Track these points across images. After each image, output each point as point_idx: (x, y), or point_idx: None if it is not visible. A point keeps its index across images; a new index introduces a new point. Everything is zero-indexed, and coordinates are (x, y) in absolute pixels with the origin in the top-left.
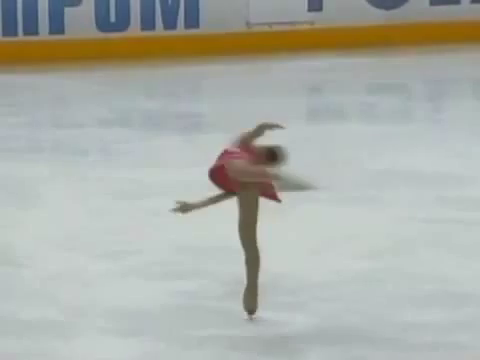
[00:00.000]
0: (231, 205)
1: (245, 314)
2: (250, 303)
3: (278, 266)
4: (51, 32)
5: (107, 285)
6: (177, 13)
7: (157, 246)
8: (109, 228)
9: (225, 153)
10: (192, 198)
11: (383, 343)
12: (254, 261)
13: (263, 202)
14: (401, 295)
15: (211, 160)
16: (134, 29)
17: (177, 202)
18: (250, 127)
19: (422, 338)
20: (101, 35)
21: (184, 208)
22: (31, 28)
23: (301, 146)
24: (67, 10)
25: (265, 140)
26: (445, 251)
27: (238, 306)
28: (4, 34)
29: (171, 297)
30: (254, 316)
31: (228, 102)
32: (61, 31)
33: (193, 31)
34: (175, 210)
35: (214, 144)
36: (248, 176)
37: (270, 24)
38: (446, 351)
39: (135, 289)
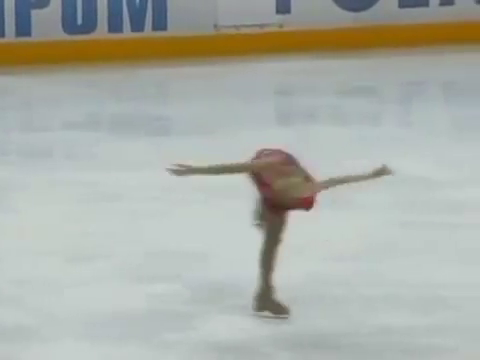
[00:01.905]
0: (207, 210)
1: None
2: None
3: (252, 269)
4: (17, 34)
5: (78, 290)
6: (145, 15)
7: (128, 250)
8: (80, 232)
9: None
10: (163, 202)
11: (355, 347)
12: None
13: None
14: (375, 299)
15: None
16: (101, 31)
17: (176, 164)
18: (220, 130)
19: (395, 342)
20: (68, 37)
21: (181, 171)
22: None
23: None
24: (34, 12)
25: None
26: (420, 255)
27: (210, 309)
28: None
29: (143, 301)
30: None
31: (196, 105)
32: (27, 33)
33: (161, 33)
34: (170, 170)
35: (183, 147)
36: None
37: (238, 26)
38: (419, 355)
39: (107, 293)
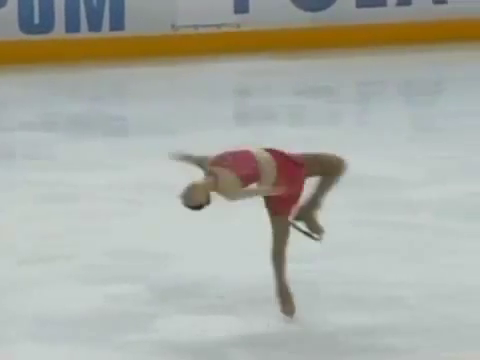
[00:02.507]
0: (168, 210)
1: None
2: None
3: (209, 268)
4: None
5: (38, 290)
6: (102, 15)
7: (87, 250)
8: (38, 232)
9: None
10: (122, 202)
11: (311, 347)
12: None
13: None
14: (332, 298)
15: (138, 162)
16: (59, 31)
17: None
18: (178, 130)
19: (352, 342)
20: (25, 37)
21: (182, 157)
22: None
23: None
24: None
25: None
26: (379, 255)
27: (172, 310)
28: None
29: (103, 302)
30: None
31: (154, 105)
32: None
33: (118, 33)
34: (172, 156)
35: (140, 147)
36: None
37: (196, 26)
38: (376, 355)
39: (67, 294)
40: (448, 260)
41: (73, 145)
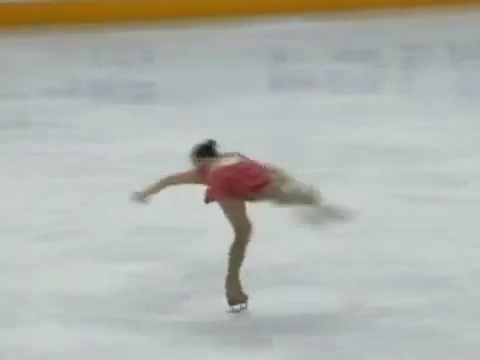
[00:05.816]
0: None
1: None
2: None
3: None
4: None
5: (52, 269)
6: None
7: (107, 226)
8: (55, 207)
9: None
10: (143, 175)
11: (355, 329)
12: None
13: None
14: (373, 278)
15: (163, 132)
16: None
17: (133, 194)
18: (207, 98)
19: (395, 324)
20: None
21: (140, 197)
22: None
23: (265, 118)
24: None
25: None
26: (419, 231)
27: (194, 289)
28: None
29: (122, 281)
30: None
31: (183, 70)
32: None
33: None
34: (133, 200)
35: (167, 115)
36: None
37: None
38: (420, 337)
39: (84, 272)
40: None
41: (95, 113)
